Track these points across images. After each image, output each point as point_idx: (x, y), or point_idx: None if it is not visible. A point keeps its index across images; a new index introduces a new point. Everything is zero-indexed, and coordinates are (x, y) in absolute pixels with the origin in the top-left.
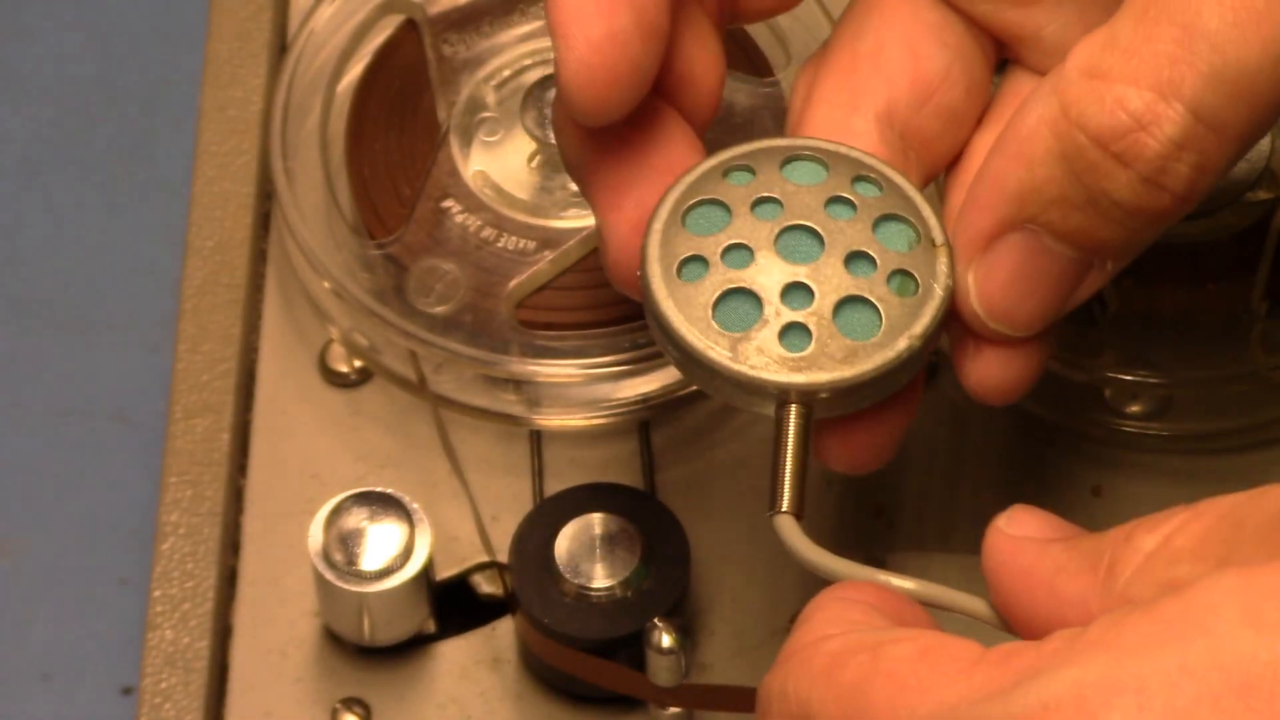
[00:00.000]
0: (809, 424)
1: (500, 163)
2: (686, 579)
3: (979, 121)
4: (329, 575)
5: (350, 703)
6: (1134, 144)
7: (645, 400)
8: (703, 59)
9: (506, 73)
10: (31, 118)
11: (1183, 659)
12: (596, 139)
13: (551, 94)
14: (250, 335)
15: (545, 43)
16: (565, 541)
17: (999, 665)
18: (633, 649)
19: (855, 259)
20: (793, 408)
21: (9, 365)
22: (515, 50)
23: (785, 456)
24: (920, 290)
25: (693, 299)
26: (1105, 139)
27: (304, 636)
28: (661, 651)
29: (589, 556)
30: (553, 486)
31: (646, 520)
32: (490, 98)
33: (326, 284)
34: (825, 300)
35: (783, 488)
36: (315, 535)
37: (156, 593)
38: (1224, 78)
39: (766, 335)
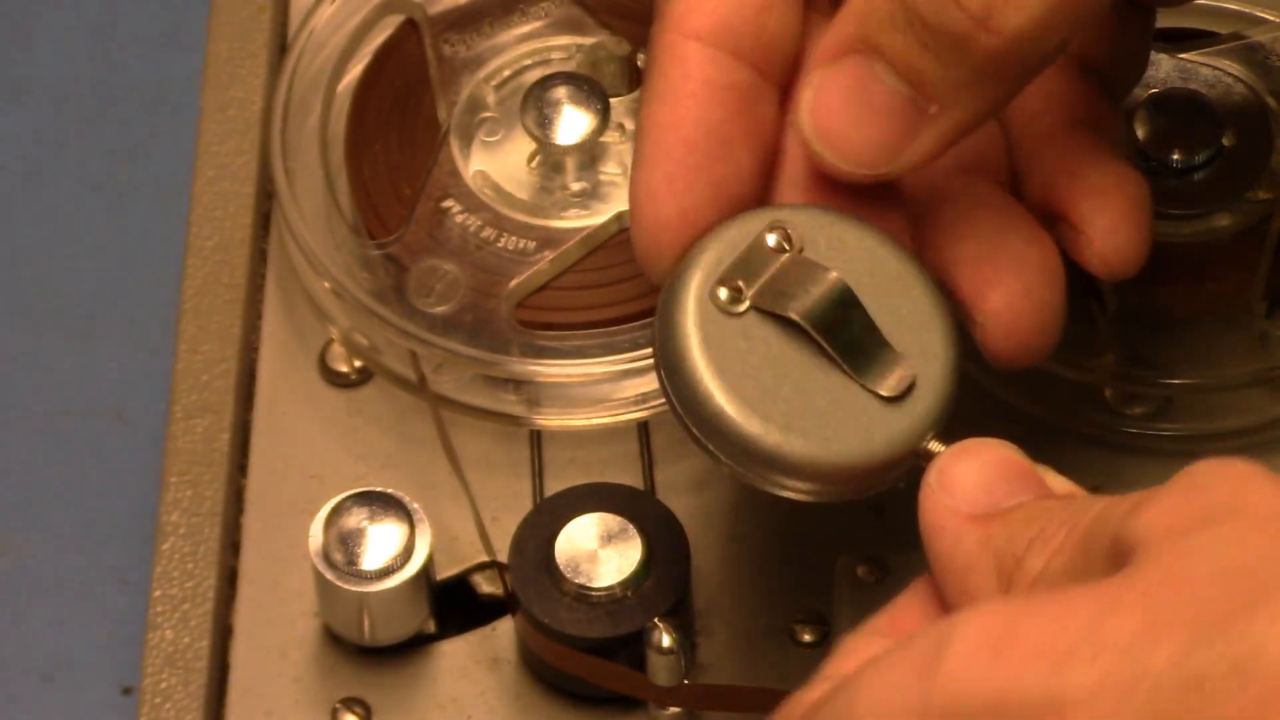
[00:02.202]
0: None
1: (500, 163)
2: (686, 579)
3: None
4: (329, 575)
5: (350, 703)
6: None
7: (645, 400)
8: None
9: (506, 73)
10: (31, 118)
11: (899, 690)
12: None
13: (551, 94)
14: (250, 335)
15: (545, 43)
16: (565, 541)
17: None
18: (633, 649)
19: None
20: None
21: (9, 365)
22: (515, 50)
23: None
24: None
25: None
26: None
27: (304, 636)
28: (661, 651)
29: (589, 556)
30: (553, 486)
31: (646, 520)
32: (490, 98)
33: (326, 284)
34: None
35: None
36: (315, 535)
37: (156, 593)
38: None
39: None
